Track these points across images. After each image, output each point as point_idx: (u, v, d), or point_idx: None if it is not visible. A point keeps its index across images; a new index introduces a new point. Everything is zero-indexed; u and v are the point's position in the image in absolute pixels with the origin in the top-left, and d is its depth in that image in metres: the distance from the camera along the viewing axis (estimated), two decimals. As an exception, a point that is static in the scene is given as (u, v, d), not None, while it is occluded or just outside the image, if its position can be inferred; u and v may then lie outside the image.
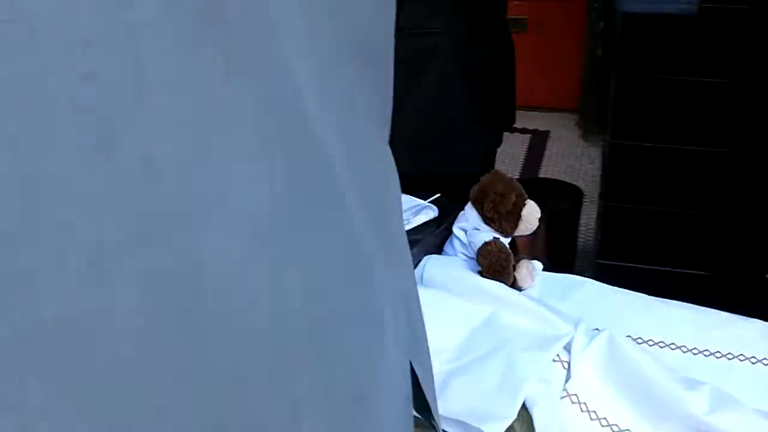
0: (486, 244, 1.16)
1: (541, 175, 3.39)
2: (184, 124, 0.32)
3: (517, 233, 1.22)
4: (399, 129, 1.56)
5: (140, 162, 0.31)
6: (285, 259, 0.36)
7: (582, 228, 2.60)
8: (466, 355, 1.09)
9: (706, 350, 1.15)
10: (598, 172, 3.30)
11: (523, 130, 3.64)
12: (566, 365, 1.08)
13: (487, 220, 1.19)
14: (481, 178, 1.23)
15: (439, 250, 1.24)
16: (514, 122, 1.84)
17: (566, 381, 1.07)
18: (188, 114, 0.32)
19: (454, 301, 1.14)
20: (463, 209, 1.23)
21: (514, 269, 1.23)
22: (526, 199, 1.20)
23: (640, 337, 1.18)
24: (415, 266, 1.19)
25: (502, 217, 1.18)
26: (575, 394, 1.06)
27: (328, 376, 0.40)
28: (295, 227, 0.37)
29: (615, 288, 1.27)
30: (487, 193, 1.19)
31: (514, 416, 1.00)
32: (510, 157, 3.51)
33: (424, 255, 1.20)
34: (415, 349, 0.56)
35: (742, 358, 1.13)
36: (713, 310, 1.21)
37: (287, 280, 0.37)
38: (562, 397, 1.05)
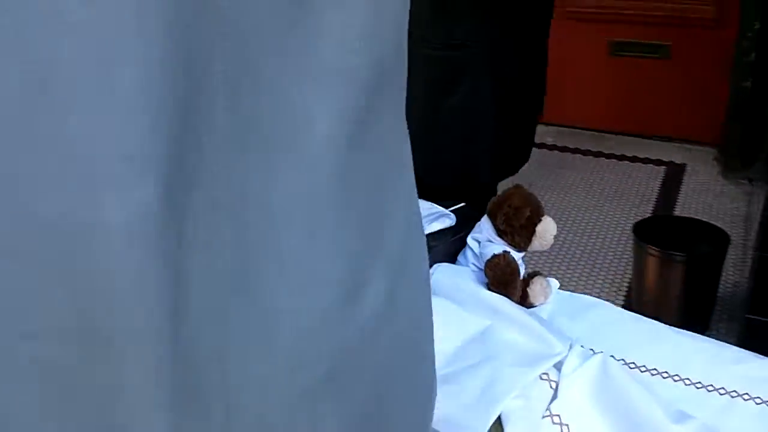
0: (494, 256, 1.17)
1: (677, 212, 3.25)
2: (156, 63, 0.34)
3: (531, 249, 1.22)
4: (427, 142, 1.59)
5: (136, 88, 0.33)
6: (216, 198, 0.38)
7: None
8: (455, 365, 1.10)
9: (711, 385, 1.11)
10: (738, 213, 3.14)
11: (658, 162, 3.51)
12: (554, 385, 1.07)
13: (500, 233, 1.20)
14: (504, 191, 1.24)
15: (452, 258, 1.26)
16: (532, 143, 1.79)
17: (552, 400, 1.06)
18: (155, 54, 0.34)
19: (455, 310, 1.15)
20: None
21: (528, 285, 1.23)
22: (542, 215, 1.20)
23: (644, 365, 1.15)
24: (425, 272, 1.21)
25: (514, 230, 1.19)
26: (558, 415, 1.05)
27: (262, 327, 0.41)
28: (231, 170, 0.38)
29: (631, 313, 1.25)
30: (502, 205, 1.19)
31: (485, 430, 1.00)
32: (643, 190, 3.41)
33: (435, 263, 1.22)
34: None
35: (746, 397, 1.08)
36: (731, 346, 1.16)
37: (218, 220, 0.38)
38: (544, 416, 1.04)
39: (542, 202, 3.30)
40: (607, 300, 2.57)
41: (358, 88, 0.45)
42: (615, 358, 1.16)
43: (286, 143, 0.41)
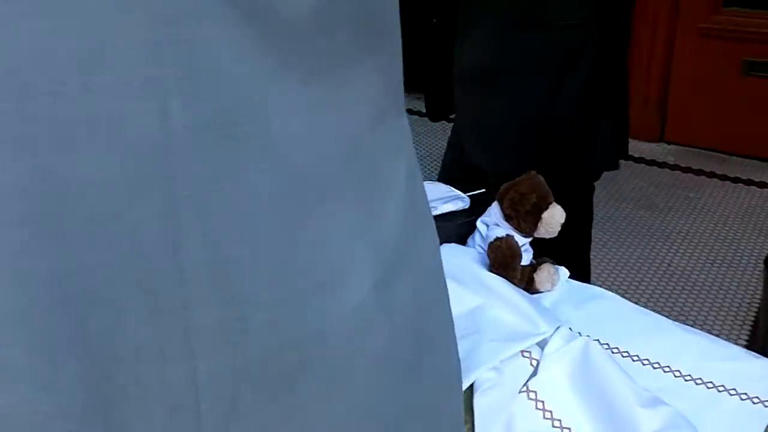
0: (497, 239, 1.20)
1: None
2: (66, 55, 0.35)
3: (537, 235, 1.24)
4: (549, 128, 1.61)
5: (17, 84, 0.34)
6: (180, 195, 0.38)
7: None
8: (441, 336, 1.14)
9: (699, 378, 1.10)
10: None
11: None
12: (535, 363, 1.10)
13: (507, 218, 1.23)
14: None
15: (463, 240, 1.30)
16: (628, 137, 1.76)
17: (530, 377, 1.09)
18: (71, 44, 0.34)
19: (453, 289, 1.19)
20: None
21: (535, 271, 1.25)
22: (550, 203, 1.22)
23: (637, 355, 1.15)
24: (431, 251, 1.26)
25: (519, 215, 1.21)
26: (534, 391, 1.07)
27: (232, 319, 0.41)
28: (197, 167, 0.38)
29: (637, 307, 1.24)
30: (509, 191, 1.23)
31: None
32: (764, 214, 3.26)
33: (444, 242, 1.26)
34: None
35: (733, 392, 1.07)
36: (733, 345, 1.15)
37: (181, 217, 0.38)
38: (520, 391, 1.07)
39: (662, 224, 3.23)
40: (729, 336, 2.49)
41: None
42: (609, 346, 1.17)
43: (259, 136, 0.40)
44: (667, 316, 2.47)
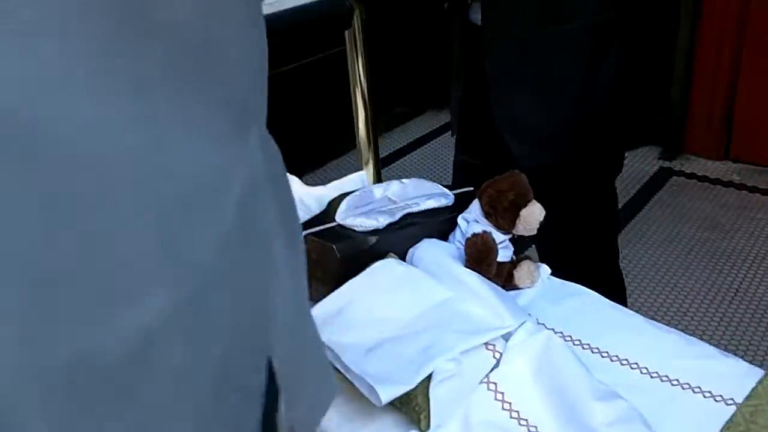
0: (473, 235, 1.21)
1: None
2: None
3: (516, 232, 1.24)
4: (586, 119, 1.63)
5: None
6: None
7: None
8: (408, 328, 1.15)
9: (666, 376, 1.09)
10: None
11: None
12: (498, 355, 1.10)
13: (486, 215, 1.23)
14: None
15: (445, 236, 1.31)
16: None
17: (492, 369, 1.09)
18: None
19: (423, 281, 1.21)
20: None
21: (514, 267, 1.25)
22: (529, 200, 1.22)
23: (606, 351, 1.15)
24: (412, 245, 1.28)
25: (497, 212, 1.22)
26: (495, 383, 1.08)
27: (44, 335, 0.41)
28: None
29: (614, 305, 1.23)
30: (488, 188, 1.23)
31: (412, 385, 1.04)
32: None
33: (425, 238, 1.28)
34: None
35: (697, 390, 1.05)
36: (705, 344, 1.12)
37: None
38: (481, 382, 1.07)
39: (728, 247, 3.17)
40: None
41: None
42: (581, 342, 1.16)
43: (29, 153, 0.37)
44: (735, 347, 2.39)
